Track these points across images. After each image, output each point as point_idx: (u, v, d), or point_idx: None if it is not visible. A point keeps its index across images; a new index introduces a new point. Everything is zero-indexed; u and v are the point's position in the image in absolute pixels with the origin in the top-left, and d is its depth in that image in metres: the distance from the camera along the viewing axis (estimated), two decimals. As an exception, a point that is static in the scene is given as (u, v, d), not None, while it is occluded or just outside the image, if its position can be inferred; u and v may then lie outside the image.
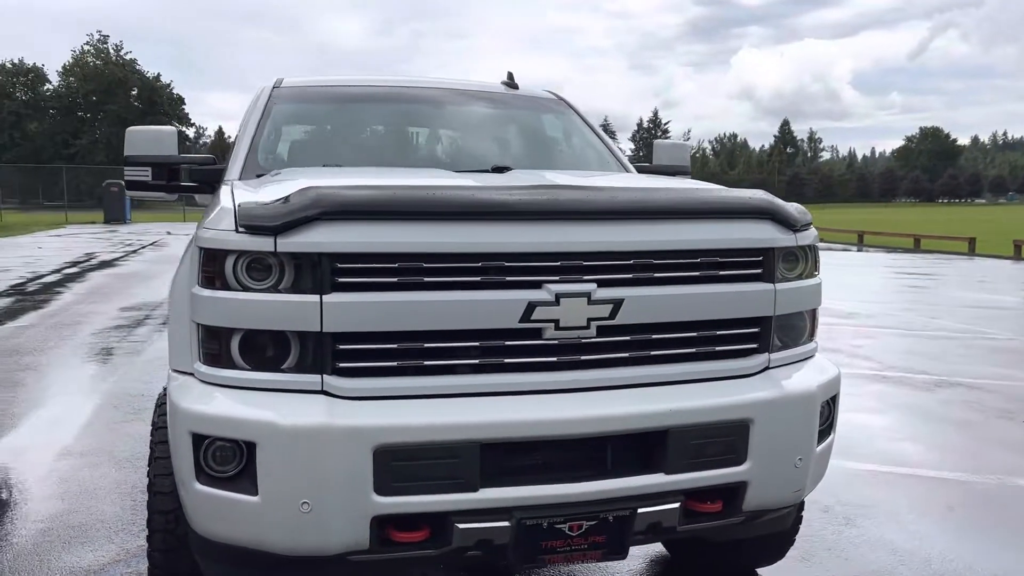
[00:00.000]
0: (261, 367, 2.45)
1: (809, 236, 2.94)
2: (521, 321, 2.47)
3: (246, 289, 2.42)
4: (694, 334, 2.71)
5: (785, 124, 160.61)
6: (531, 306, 2.47)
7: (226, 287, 2.43)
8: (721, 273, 2.73)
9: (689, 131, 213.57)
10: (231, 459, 2.41)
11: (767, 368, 2.83)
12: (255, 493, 2.37)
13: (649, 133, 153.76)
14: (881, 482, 4.96)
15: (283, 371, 2.44)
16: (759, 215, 2.79)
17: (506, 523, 2.45)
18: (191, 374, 2.57)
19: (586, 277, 2.54)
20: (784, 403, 2.74)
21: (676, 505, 2.61)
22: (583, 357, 2.58)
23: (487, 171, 3.61)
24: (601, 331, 2.57)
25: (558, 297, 2.48)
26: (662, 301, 2.63)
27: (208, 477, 2.43)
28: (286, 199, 2.43)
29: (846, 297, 13.98)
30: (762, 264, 2.79)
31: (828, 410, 3.01)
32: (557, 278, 2.51)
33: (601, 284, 2.55)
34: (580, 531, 2.53)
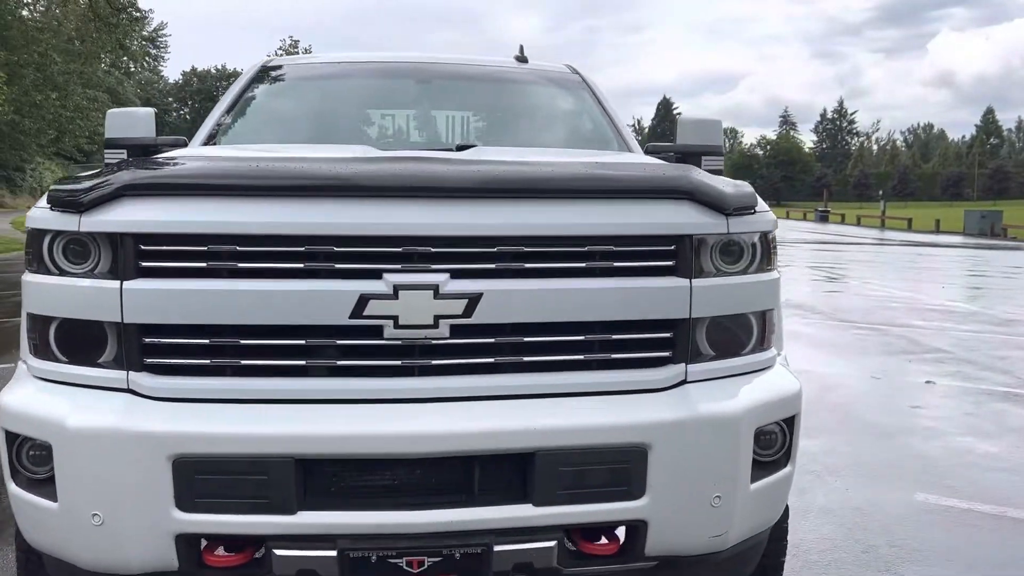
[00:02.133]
0: (78, 360, 2.22)
1: (752, 222, 2.39)
2: (352, 317, 2.11)
3: (63, 274, 2.20)
4: (581, 338, 2.25)
5: (989, 113, 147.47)
6: (363, 299, 2.10)
7: (45, 271, 2.23)
8: (616, 265, 2.25)
9: (878, 121, 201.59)
10: (44, 461, 2.20)
11: (683, 382, 2.32)
12: (55, 499, 2.15)
13: (833, 124, 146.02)
14: (954, 521, 4.18)
15: (97, 365, 2.20)
16: (673, 195, 2.29)
17: (331, 553, 2.10)
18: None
19: (435, 266, 2.14)
20: (695, 426, 2.23)
21: (552, 544, 2.17)
22: (435, 362, 2.18)
23: (448, 150, 3.25)
24: (457, 331, 2.16)
25: (396, 289, 2.10)
26: (535, 297, 2.19)
27: (23, 479, 2.24)
28: (100, 173, 2.20)
29: (1016, 304, 12.44)
30: (675, 255, 2.29)
31: (780, 437, 2.46)
32: (399, 267, 2.13)
33: (456, 275, 2.15)
34: (421, 568, 2.14)
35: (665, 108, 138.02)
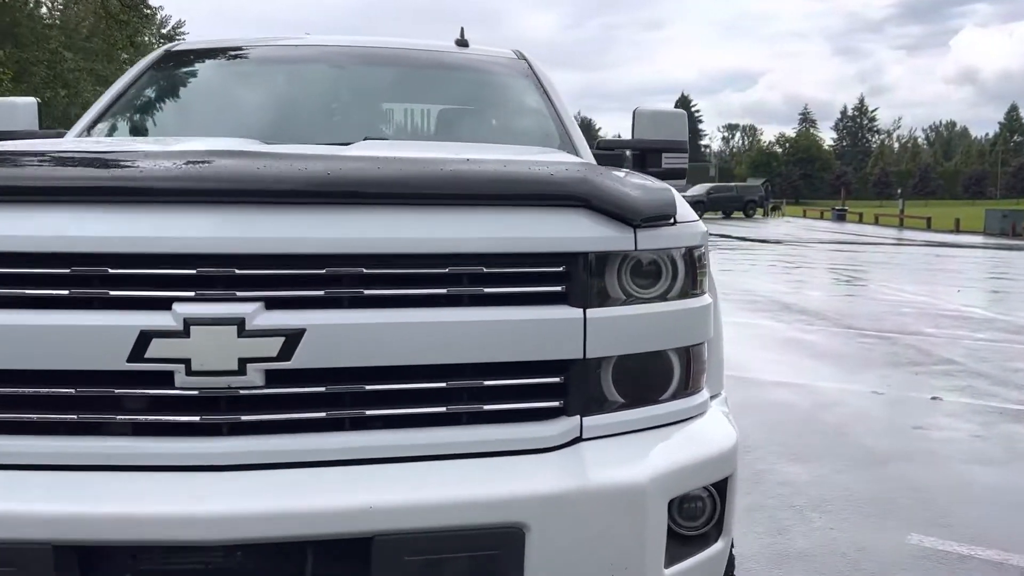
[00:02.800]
0: None
1: (670, 236, 1.89)
2: (132, 360, 1.62)
3: None
4: (441, 384, 1.75)
5: (1013, 110, 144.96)
6: (144, 337, 1.61)
7: None
8: (488, 292, 1.75)
9: (900, 119, 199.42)
10: None
11: (578, 440, 1.81)
12: None
13: (854, 122, 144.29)
14: (951, 570, 3.64)
15: None
16: (562, 202, 1.79)
17: None
18: None
19: (241, 293, 1.65)
20: (587, 500, 1.72)
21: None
22: (245, 418, 1.69)
23: (337, 144, 2.75)
24: (274, 378, 1.67)
25: (187, 324, 1.61)
26: (379, 333, 1.69)
27: None
28: None
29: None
30: (565, 278, 1.78)
31: (708, 505, 1.95)
32: (191, 294, 1.64)
33: (271, 304, 1.66)
34: None
35: (684, 105, 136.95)
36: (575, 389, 1.81)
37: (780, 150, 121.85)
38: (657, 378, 1.93)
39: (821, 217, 55.40)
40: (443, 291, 1.72)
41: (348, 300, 1.69)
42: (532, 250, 1.76)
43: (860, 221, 50.09)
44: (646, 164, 3.61)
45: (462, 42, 3.86)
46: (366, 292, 1.69)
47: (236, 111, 3.41)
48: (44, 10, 34.30)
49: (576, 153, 3.20)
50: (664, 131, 3.62)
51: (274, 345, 1.64)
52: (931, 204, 78.19)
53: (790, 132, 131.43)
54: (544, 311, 1.76)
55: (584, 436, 1.82)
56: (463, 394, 1.76)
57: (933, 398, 6.66)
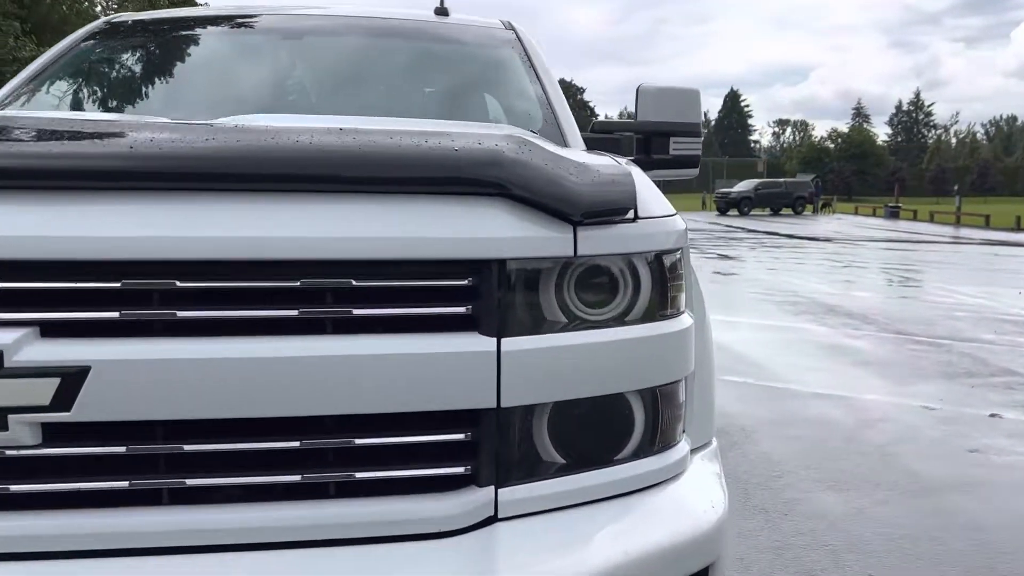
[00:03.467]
0: None
1: (627, 236, 1.38)
2: None
3: None
4: (294, 444, 1.25)
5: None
6: None
7: None
8: (358, 314, 1.24)
9: (957, 114, 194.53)
10: None
11: (492, 519, 1.31)
12: None
13: (909, 117, 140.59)
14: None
15: None
16: (469, 187, 1.28)
17: None
18: None
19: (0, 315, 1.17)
20: (492, 614, 1.21)
21: None
22: (14, 488, 1.21)
23: None
24: (54, 435, 1.19)
25: (-83, 358, 1.14)
26: (198, 372, 1.20)
27: None
28: None
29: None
30: (471, 295, 1.28)
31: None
32: (-70, 316, 1.16)
33: (48, 331, 1.18)
34: None
35: (732, 100, 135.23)
36: (487, 449, 1.30)
37: (832, 145, 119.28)
38: (611, 430, 1.42)
39: (873, 214, 53.83)
40: (293, 312, 1.22)
41: (157, 326, 1.20)
42: (424, 255, 1.25)
43: (914, 218, 48.51)
44: (651, 150, 3.09)
45: (442, 10, 3.36)
46: (180, 314, 1.20)
47: (176, 86, 2.96)
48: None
49: (561, 137, 2.68)
50: (673, 111, 3.08)
51: (46, 389, 1.16)
52: (990, 201, 75.59)
53: (843, 127, 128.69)
54: (439, 341, 1.26)
55: (501, 515, 1.31)
56: (326, 457, 1.26)
57: (992, 415, 5.99)
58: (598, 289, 1.38)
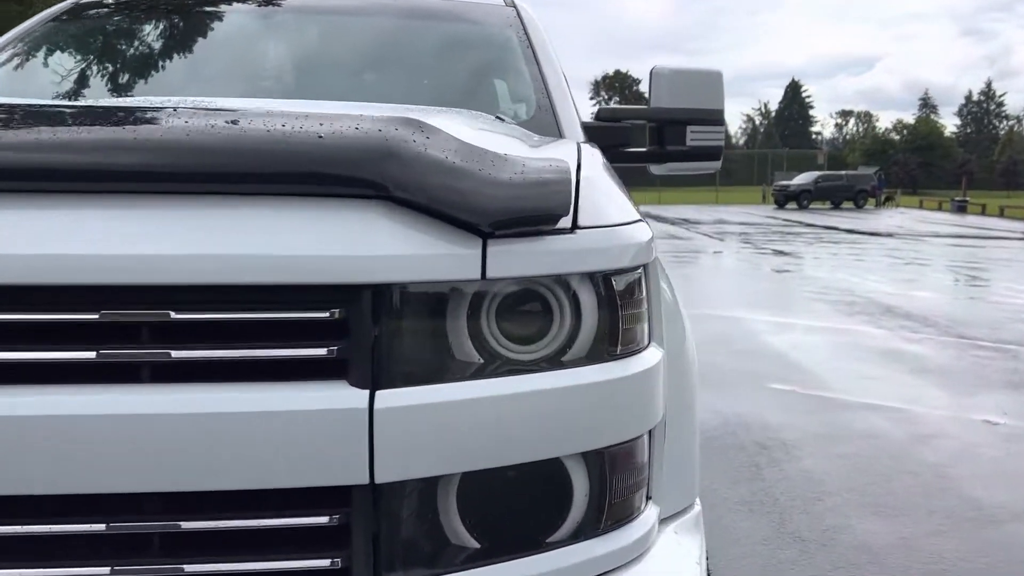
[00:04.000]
0: None
1: (566, 253, 1.05)
2: None
3: None
4: (98, 527, 0.95)
5: None
6: None
7: None
8: (175, 357, 0.94)
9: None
10: None
11: (366, 633, 0.98)
12: None
13: (979, 107, 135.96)
14: None
15: None
16: (339, 187, 0.96)
17: None
18: None
19: None
20: None
21: None
22: None
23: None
24: None
25: None
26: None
27: None
28: None
29: None
30: (336, 331, 0.96)
31: None
32: None
33: None
34: None
35: (793, 91, 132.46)
36: (362, 536, 0.98)
37: (897, 137, 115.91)
38: (543, 506, 1.08)
39: (939, 208, 52.02)
40: (89, 355, 0.92)
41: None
42: (268, 279, 0.94)
43: (983, 213, 46.70)
44: (664, 141, 2.73)
45: None
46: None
47: (142, 68, 2.70)
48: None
49: (556, 125, 2.34)
50: (691, 96, 2.72)
51: None
52: (1065, 195, 72.51)
53: (908, 118, 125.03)
54: (288, 395, 0.94)
55: (379, 624, 0.99)
56: (149, 545, 0.96)
57: (1063, 432, 5.47)
58: (525, 320, 1.05)
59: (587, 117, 2.77)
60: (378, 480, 0.95)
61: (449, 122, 1.26)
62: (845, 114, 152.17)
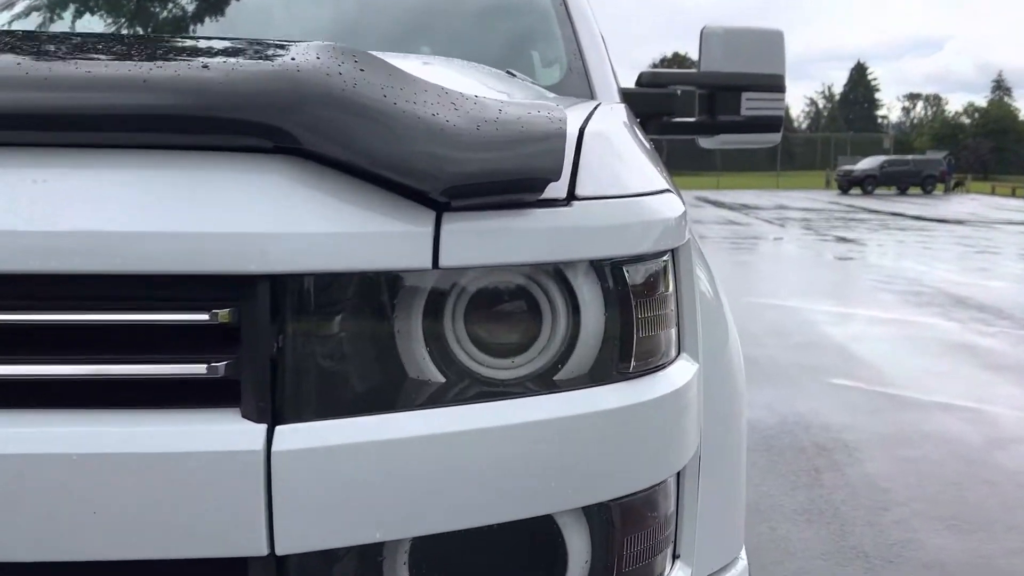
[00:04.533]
0: None
1: (544, 230, 0.74)
2: None
3: None
4: None
5: None
6: None
7: None
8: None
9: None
10: None
11: None
12: None
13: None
14: None
15: None
16: (235, 138, 0.68)
17: None
18: None
19: None
20: None
21: None
22: None
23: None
24: None
25: None
26: None
27: None
28: None
29: None
30: (221, 341, 0.69)
31: None
32: None
33: None
34: None
35: (859, 73, 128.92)
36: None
37: (968, 121, 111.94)
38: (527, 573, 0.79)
39: (1013, 195, 50.00)
40: None
41: None
42: (122, 267, 0.66)
43: (1060, 200, 44.79)
44: (716, 109, 2.41)
45: None
46: None
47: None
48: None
49: (589, 88, 2.04)
50: (747, 59, 2.39)
51: None
52: None
53: (980, 101, 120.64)
54: (153, 429, 0.67)
55: None
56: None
57: None
58: (503, 325, 0.76)
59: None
60: (280, 550, 0.68)
61: (424, 68, 0.97)
62: (913, 97, 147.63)
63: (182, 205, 0.66)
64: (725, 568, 1.04)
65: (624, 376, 0.81)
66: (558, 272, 0.78)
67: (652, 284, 0.83)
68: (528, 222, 0.74)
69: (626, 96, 2.20)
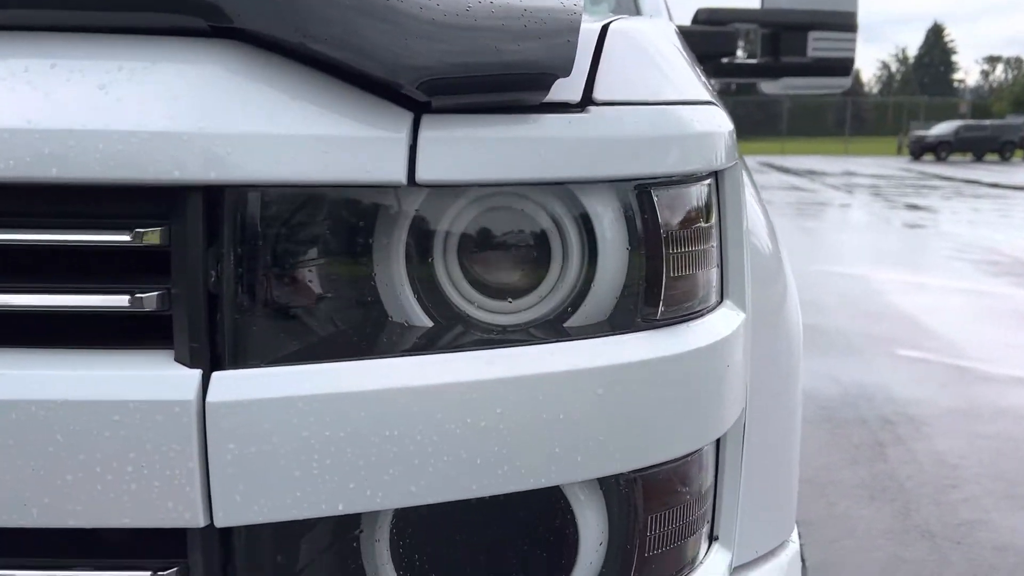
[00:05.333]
0: None
1: (551, 140, 0.59)
2: None
3: None
4: None
5: None
6: None
7: None
8: None
9: None
10: None
11: None
12: None
13: None
14: None
15: None
16: (156, 12, 0.54)
17: None
18: None
19: None
20: None
21: None
22: None
23: None
24: None
25: None
26: None
27: None
28: None
29: None
30: (150, 266, 0.56)
31: None
32: None
33: None
34: None
35: (935, 35, 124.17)
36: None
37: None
38: (530, 562, 0.67)
39: (1097, 163, 47.77)
40: None
41: None
42: (16, 174, 0.54)
43: None
44: (780, 50, 2.22)
45: None
46: None
47: None
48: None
49: (635, 5, 1.90)
50: (815, -2, 2.19)
51: None
52: None
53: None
54: (71, 374, 0.55)
55: None
56: None
57: None
58: (503, 259, 0.63)
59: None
60: (220, 522, 0.56)
61: None
62: (992, 60, 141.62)
63: (96, 99, 0.54)
64: (773, 552, 0.90)
65: (650, 324, 0.67)
66: (570, 194, 0.64)
67: (688, 213, 0.68)
68: (530, 129, 0.60)
69: (686, 35, 2.03)
